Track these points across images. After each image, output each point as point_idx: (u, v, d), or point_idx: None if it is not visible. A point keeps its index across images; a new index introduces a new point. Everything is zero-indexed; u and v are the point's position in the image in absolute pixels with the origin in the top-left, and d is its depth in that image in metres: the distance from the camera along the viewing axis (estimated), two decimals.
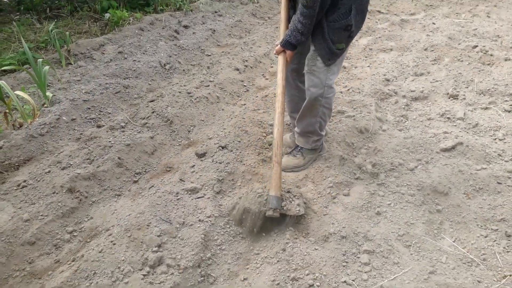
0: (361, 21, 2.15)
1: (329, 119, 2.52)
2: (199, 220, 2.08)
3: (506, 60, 4.10)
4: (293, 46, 2.13)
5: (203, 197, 2.25)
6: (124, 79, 3.79)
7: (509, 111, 3.16)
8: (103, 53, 4.33)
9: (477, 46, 4.44)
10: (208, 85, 3.65)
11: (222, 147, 2.70)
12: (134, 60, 4.14)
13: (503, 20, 5.63)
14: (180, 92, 3.42)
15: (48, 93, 3.29)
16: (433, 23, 5.47)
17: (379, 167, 2.52)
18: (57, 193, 2.30)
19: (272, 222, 2.07)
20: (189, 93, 3.44)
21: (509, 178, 2.39)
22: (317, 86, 2.26)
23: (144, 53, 4.38)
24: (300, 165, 2.57)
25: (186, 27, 5.31)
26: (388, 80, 3.70)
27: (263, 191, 2.06)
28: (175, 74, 4.05)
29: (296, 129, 2.57)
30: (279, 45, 2.17)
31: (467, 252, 1.95)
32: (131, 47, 4.46)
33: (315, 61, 2.21)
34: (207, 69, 4.13)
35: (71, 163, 2.56)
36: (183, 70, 4.16)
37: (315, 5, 1.94)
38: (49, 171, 2.47)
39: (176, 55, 4.40)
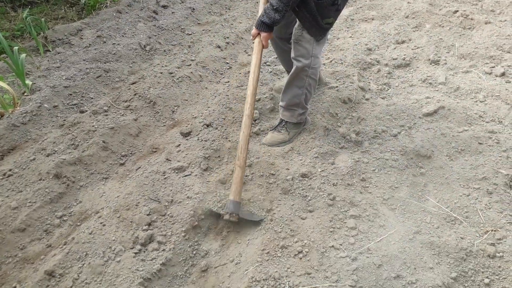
0: None
1: (314, 91, 2.51)
2: (188, 197, 2.10)
3: (486, 23, 4.11)
4: (268, 27, 2.03)
5: (190, 174, 2.26)
6: (105, 63, 3.73)
7: (489, 73, 3.20)
8: (82, 38, 4.24)
9: (457, 11, 4.43)
10: (190, 64, 3.61)
11: (207, 125, 2.70)
12: (114, 44, 4.07)
13: None
14: (161, 73, 3.39)
15: (28, 81, 3.24)
16: None
17: (362, 135, 2.55)
18: (43, 180, 2.30)
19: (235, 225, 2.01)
20: (171, 73, 3.41)
21: (490, 138, 2.44)
22: (304, 56, 2.23)
23: (123, 36, 4.30)
24: (286, 140, 2.56)
25: (164, 7, 5.21)
26: (370, 50, 3.70)
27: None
28: (156, 55, 4.00)
29: (280, 103, 2.55)
30: (254, 28, 2.09)
31: (451, 211, 2.00)
32: (110, 31, 4.37)
33: (302, 31, 2.17)
34: (188, 48, 4.08)
35: (56, 149, 2.54)
36: (164, 51, 4.10)
37: None
38: (34, 159, 2.46)
39: (156, 36, 4.33)
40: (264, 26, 2.03)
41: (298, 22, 2.19)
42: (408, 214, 2.01)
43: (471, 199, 2.05)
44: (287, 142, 2.56)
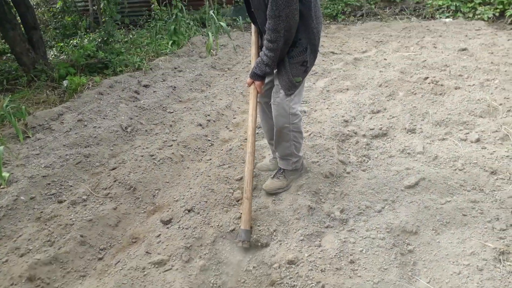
0: (313, 59, 2.46)
1: (302, 140, 2.74)
2: None
3: (456, 88, 4.31)
4: (260, 77, 2.41)
5: (171, 269, 2.16)
6: (85, 147, 3.72)
7: (464, 140, 3.28)
8: (62, 122, 4.26)
9: (428, 77, 4.66)
10: (171, 145, 3.62)
11: (189, 210, 2.64)
12: (95, 127, 4.09)
13: (449, 49, 5.98)
14: (142, 156, 3.38)
15: (5, 173, 3.17)
16: (385, 59, 5.74)
17: (347, 212, 2.52)
18: (15, 284, 2.16)
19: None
20: (152, 155, 3.40)
21: (473, 208, 2.43)
22: (282, 115, 2.52)
23: (104, 118, 4.34)
24: (283, 186, 2.79)
25: (146, 86, 5.34)
26: (347, 121, 3.79)
27: None
28: (137, 136, 4.02)
29: (277, 153, 2.84)
30: (249, 78, 2.46)
31: None
32: (91, 113, 4.42)
33: (278, 93, 2.49)
34: (170, 127, 4.12)
35: (30, 247, 2.42)
36: (146, 131, 4.13)
37: (278, 40, 2.21)
38: (6, 260, 2.33)
39: (137, 116, 4.38)
40: (257, 76, 2.41)
41: (275, 87, 2.52)
42: None
43: (462, 277, 1.99)
44: (285, 188, 2.80)
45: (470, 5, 8.18)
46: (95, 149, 3.67)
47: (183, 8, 7.65)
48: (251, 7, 2.36)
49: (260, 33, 2.58)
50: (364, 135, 3.55)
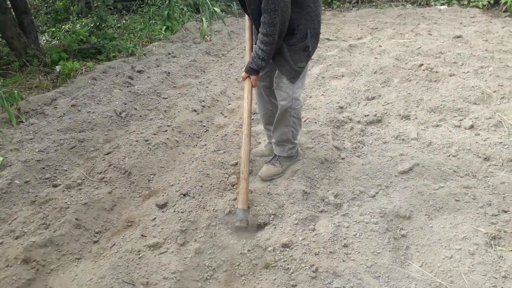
0: (315, 42, 2.45)
1: (299, 128, 2.77)
2: (164, 278, 2.00)
3: (450, 75, 4.32)
4: (256, 71, 2.40)
5: (166, 251, 2.17)
6: (79, 132, 3.69)
7: (458, 126, 3.30)
8: (56, 107, 4.22)
9: (422, 64, 4.66)
10: (166, 130, 3.61)
11: (184, 195, 2.65)
12: (89, 112, 4.06)
13: (443, 36, 5.98)
14: (137, 141, 3.37)
15: None
16: (380, 46, 5.73)
17: (341, 197, 2.54)
18: (11, 266, 2.16)
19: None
20: (146, 140, 3.39)
21: (466, 194, 2.46)
22: (286, 99, 2.54)
23: (98, 103, 4.30)
24: (279, 172, 2.83)
25: (140, 72, 5.29)
26: (342, 108, 3.79)
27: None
28: (131, 121, 4.00)
29: (273, 139, 2.84)
30: (244, 72, 2.44)
31: (435, 276, 1.96)
32: (85, 99, 4.38)
33: (281, 78, 2.49)
34: (164, 113, 4.10)
35: (26, 230, 2.42)
36: (140, 116, 4.11)
37: (274, 33, 2.19)
38: (1, 243, 2.33)
39: (131, 101, 4.35)
40: (253, 71, 2.40)
41: (277, 72, 2.50)
42: (393, 282, 1.96)
43: (453, 261, 2.02)
44: (280, 174, 2.83)
45: None
46: (90, 134, 3.65)
47: None
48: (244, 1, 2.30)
49: (253, 28, 2.52)
50: (359, 122, 3.56)
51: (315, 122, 3.53)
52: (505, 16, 7.09)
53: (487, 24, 6.53)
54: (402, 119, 3.53)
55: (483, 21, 6.72)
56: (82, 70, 5.38)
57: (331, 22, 7.55)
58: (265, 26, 2.18)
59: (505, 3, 7.22)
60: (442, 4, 8.29)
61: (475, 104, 3.71)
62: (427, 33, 6.23)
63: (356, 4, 9.09)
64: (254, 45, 2.39)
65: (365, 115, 3.64)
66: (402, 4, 8.76)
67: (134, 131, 3.71)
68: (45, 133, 3.66)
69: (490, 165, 2.76)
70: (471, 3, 7.92)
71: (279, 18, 2.14)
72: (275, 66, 2.49)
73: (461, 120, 3.38)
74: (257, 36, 2.34)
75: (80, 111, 4.12)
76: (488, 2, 7.67)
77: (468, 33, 5.98)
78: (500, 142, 2.96)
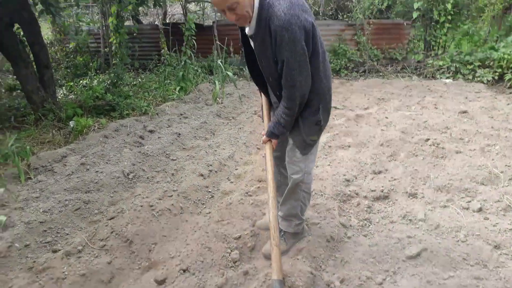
0: (327, 116, 2.50)
1: (308, 203, 2.75)
2: None
3: (457, 152, 4.34)
4: (277, 136, 2.43)
5: None
6: (86, 192, 3.70)
7: (466, 209, 3.26)
8: (65, 164, 4.27)
9: (429, 139, 4.71)
10: (172, 195, 3.61)
11: (184, 270, 2.58)
12: (97, 171, 4.10)
13: (449, 110, 6.08)
14: (141, 206, 3.35)
15: (1, 217, 3.14)
16: (386, 117, 5.83)
17: (347, 282, 2.46)
18: None
19: None
20: (151, 206, 3.37)
21: (477, 286, 2.37)
22: (298, 173, 2.53)
23: (107, 163, 4.35)
24: (284, 250, 2.73)
25: (151, 131, 5.40)
26: (348, 181, 3.79)
27: None
28: (138, 183, 4.01)
29: (279, 213, 2.78)
30: (264, 136, 2.47)
31: None
32: (94, 157, 4.44)
33: (295, 152, 2.51)
34: (172, 176, 4.12)
35: None
36: (147, 178, 4.13)
37: (294, 106, 2.27)
38: None
39: (140, 162, 4.40)
40: (274, 136, 2.43)
41: (290, 145, 2.54)
42: None
43: None
44: (285, 252, 2.73)
45: (469, 67, 8.42)
46: (95, 195, 3.65)
47: (192, 55, 7.89)
48: (263, 74, 2.38)
49: (267, 92, 2.60)
50: (365, 197, 3.54)
51: (321, 195, 3.51)
52: (510, 93, 7.25)
53: (492, 100, 6.67)
54: (409, 197, 3.50)
55: (488, 97, 6.87)
56: (95, 126, 5.52)
57: (338, 91, 7.76)
58: (285, 100, 2.27)
59: (510, 79, 7.42)
60: (448, 78, 8.53)
61: (483, 184, 3.69)
62: (433, 106, 6.36)
63: (363, 73, 9.40)
64: (276, 111, 2.40)
65: (372, 190, 3.62)
66: (408, 76, 9.03)
67: (139, 195, 3.71)
68: (51, 192, 3.68)
69: (501, 254, 2.68)
70: (476, 78, 8.14)
71: (299, 92, 2.22)
72: (290, 138, 2.53)
73: (469, 202, 3.34)
74: (275, 102, 2.52)
75: (88, 170, 4.16)
76: (493, 78, 7.89)
77: (474, 108, 6.09)
78: (510, 229, 2.90)
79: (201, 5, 15.91)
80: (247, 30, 2.28)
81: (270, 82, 2.36)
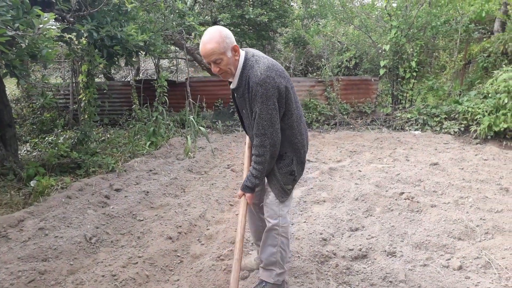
0: (301, 169, 2.72)
1: (288, 250, 2.78)
2: None
3: (432, 206, 4.31)
4: (251, 189, 2.55)
5: None
6: (42, 261, 3.38)
7: (446, 267, 3.15)
8: (22, 230, 3.94)
9: (403, 192, 4.68)
10: (137, 262, 3.34)
11: None
12: (56, 236, 3.78)
13: (420, 162, 6.16)
14: (103, 276, 3.07)
15: None
16: (359, 170, 5.82)
17: None
18: None
19: None
20: (114, 275, 3.10)
21: None
22: (272, 216, 2.66)
23: (68, 226, 4.05)
24: None
25: (117, 190, 5.15)
26: (325, 240, 3.64)
27: None
28: (101, 248, 3.72)
29: (260, 264, 2.82)
30: (239, 190, 2.59)
31: None
32: (55, 220, 4.13)
33: (269, 195, 2.68)
34: (137, 239, 3.86)
35: None
36: (111, 242, 3.85)
37: (264, 154, 2.44)
38: None
39: (104, 225, 4.12)
40: (248, 189, 2.54)
41: (267, 192, 2.69)
42: None
43: None
44: None
45: (436, 119, 8.71)
46: (53, 264, 3.34)
47: (164, 111, 7.83)
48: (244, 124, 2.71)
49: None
50: (343, 257, 3.38)
51: (298, 256, 3.34)
52: (476, 143, 7.48)
53: (460, 151, 6.83)
54: (388, 255, 3.37)
55: (457, 148, 7.04)
56: (58, 186, 5.22)
57: (311, 143, 7.80)
58: (257, 147, 2.45)
59: (475, 131, 7.67)
60: (416, 130, 8.77)
61: (460, 239, 3.62)
62: (405, 158, 6.43)
63: (334, 126, 9.56)
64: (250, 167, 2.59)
65: (350, 249, 3.48)
66: (378, 128, 9.24)
67: (102, 262, 3.42)
68: (3, 262, 3.33)
69: None
70: (443, 130, 8.40)
71: (269, 141, 2.41)
72: (267, 186, 2.69)
73: (448, 259, 3.24)
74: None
75: (47, 235, 3.85)
76: (459, 129, 8.16)
77: (444, 160, 6.19)
78: None
79: (175, 62, 16.23)
80: (231, 84, 2.57)
81: (249, 131, 2.64)
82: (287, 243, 2.76)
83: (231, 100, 10.37)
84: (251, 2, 10.09)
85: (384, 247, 3.47)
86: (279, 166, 2.59)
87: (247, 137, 2.90)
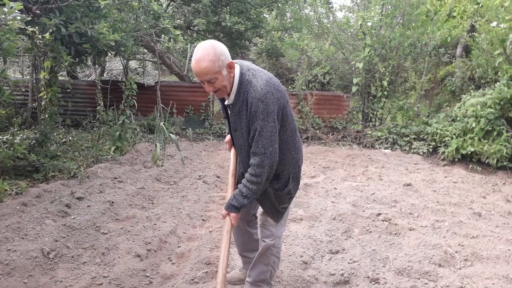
0: (297, 185, 2.62)
1: (277, 268, 2.79)
2: None
3: (410, 229, 4.25)
4: (237, 209, 2.36)
5: None
6: None
7: None
8: None
9: (380, 213, 4.61)
10: (102, 283, 3.02)
11: None
12: (9, 250, 3.37)
13: (394, 182, 6.15)
14: None
15: None
16: (335, 188, 5.73)
17: None
18: None
19: None
20: None
21: None
22: (269, 237, 2.60)
23: (23, 238, 3.64)
24: None
25: (80, 198, 4.74)
26: (306, 263, 3.46)
27: None
28: (60, 264, 3.35)
29: (247, 278, 2.81)
30: (224, 209, 2.38)
31: None
32: (8, 231, 3.70)
33: (266, 216, 2.60)
34: (102, 256, 3.51)
35: None
36: (72, 257, 3.48)
37: (262, 174, 2.28)
38: None
39: (64, 237, 3.73)
40: (234, 208, 2.35)
41: (260, 211, 2.63)
42: None
43: None
44: None
45: (406, 139, 8.84)
46: (4, 282, 2.95)
47: (132, 114, 7.43)
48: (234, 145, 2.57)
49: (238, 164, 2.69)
50: (325, 282, 3.21)
51: (279, 281, 3.13)
52: (444, 165, 7.62)
53: (430, 172, 6.91)
54: (371, 282, 3.24)
55: (427, 169, 7.13)
56: (12, 191, 4.75)
57: None
58: (255, 167, 2.28)
59: (443, 152, 7.83)
60: (386, 148, 8.86)
61: (441, 266, 3.55)
62: (378, 177, 6.42)
63: (306, 140, 9.49)
64: (240, 184, 2.39)
65: (331, 274, 3.31)
66: (349, 144, 9.27)
67: (61, 281, 3.06)
68: None
69: None
70: (412, 150, 8.53)
71: (268, 161, 2.26)
72: (260, 206, 2.61)
73: None
74: (242, 173, 2.50)
75: None
76: (428, 150, 8.30)
77: (416, 180, 6.23)
78: None
79: (143, 64, 15.72)
80: (226, 101, 2.39)
81: (241, 153, 2.49)
82: (278, 262, 2.76)
83: (202, 107, 10.09)
84: (228, 10, 9.90)
85: (367, 272, 3.33)
86: (274, 187, 2.48)
87: (231, 162, 2.68)
